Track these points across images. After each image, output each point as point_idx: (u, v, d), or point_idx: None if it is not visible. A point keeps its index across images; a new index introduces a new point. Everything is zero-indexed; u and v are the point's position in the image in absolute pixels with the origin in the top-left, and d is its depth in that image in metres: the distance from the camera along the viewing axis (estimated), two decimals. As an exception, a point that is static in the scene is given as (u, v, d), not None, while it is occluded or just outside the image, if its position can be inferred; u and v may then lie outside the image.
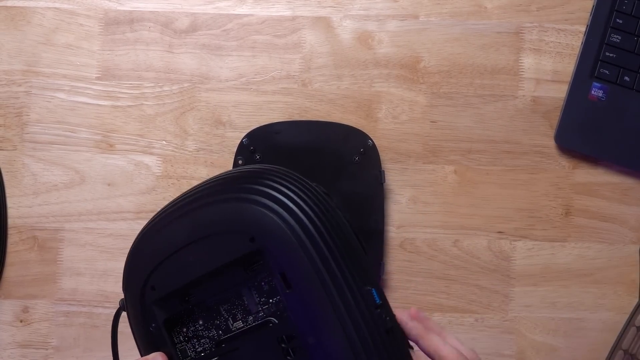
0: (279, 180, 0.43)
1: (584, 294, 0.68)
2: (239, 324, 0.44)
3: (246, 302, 0.44)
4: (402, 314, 0.48)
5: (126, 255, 0.64)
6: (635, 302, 0.67)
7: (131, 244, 0.47)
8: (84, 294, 0.67)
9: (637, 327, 0.66)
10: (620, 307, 0.68)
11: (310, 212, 0.42)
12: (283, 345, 0.42)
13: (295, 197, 0.42)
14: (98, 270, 0.67)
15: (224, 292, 0.44)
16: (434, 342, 0.44)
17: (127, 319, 0.50)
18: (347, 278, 0.41)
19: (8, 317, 0.67)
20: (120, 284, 0.67)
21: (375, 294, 0.41)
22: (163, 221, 0.45)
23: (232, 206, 0.43)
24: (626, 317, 0.67)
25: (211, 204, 0.43)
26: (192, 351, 0.45)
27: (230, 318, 0.44)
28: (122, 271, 0.66)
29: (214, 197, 0.44)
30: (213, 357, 0.44)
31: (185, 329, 0.45)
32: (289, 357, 0.42)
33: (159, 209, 0.67)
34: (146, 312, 0.44)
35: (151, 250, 0.45)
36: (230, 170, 0.47)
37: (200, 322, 0.45)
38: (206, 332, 0.45)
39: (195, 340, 0.45)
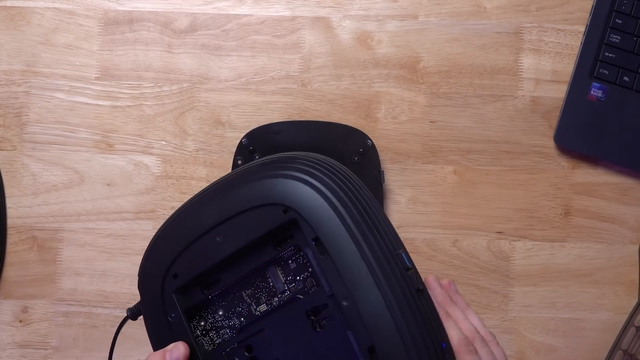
0: (306, 157, 0.45)
1: (583, 294, 0.68)
2: (263, 307, 0.44)
3: (271, 283, 0.44)
4: (433, 280, 0.49)
5: (126, 255, 0.64)
6: (634, 302, 0.67)
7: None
8: (83, 294, 0.67)
9: (636, 327, 0.66)
10: (619, 307, 0.68)
11: (339, 181, 0.43)
12: (312, 317, 0.43)
13: (324, 169, 0.44)
14: (97, 271, 0.67)
15: (248, 276, 0.44)
16: (455, 314, 0.44)
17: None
18: (378, 240, 0.42)
19: (7, 317, 0.67)
20: (120, 284, 0.67)
21: (405, 257, 0.43)
22: (186, 212, 0.45)
23: (264, 182, 0.43)
24: (625, 317, 0.67)
25: (241, 184, 0.44)
26: (209, 344, 0.45)
27: (253, 303, 0.44)
28: (121, 271, 0.67)
29: (243, 179, 0.44)
30: (232, 344, 0.44)
31: (203, 323, 0.45)
32: (318, 329, 0.43)
33: (158, 209, 0.67)
34: (165, 301, 0.44)
35: (175, 239, 0.45)
36: (250, 163, 0.47)
37: (220, 313, 0.45)
38: (227, 321, 0.45)
39: (213, 332, 0.45)
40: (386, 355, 0.40)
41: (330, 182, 0.43)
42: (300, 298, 0.44)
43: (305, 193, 0.42)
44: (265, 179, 0.44)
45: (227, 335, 0.45)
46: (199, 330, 0.45)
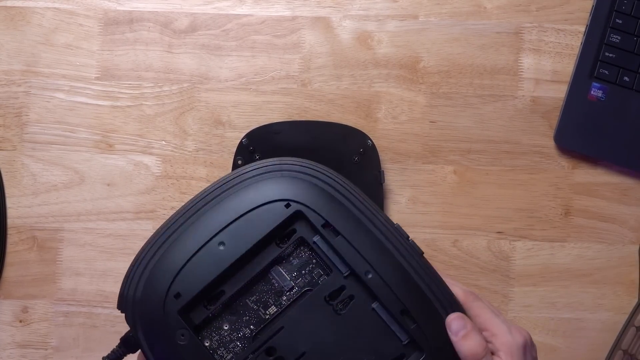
0: (294, 159, 0.46)
1: (583, 294, 0.68)
2: (272, 309, 0.44)
3: (276, 284, 0.44)
4: None
5: (126, 255, 0.63)
6: (634, 302, 0.67)
7: (137, 243, 0.45)
8: (83, 294, 0.67)
9: (636, 327, 0.66)
10: (619, 307, 0.68)
11: (330, 172, 0.45)
12: (331, 303, 0.43)
13: (313, 164, 0.45)
14: (97, 271, 0.67)
15: (251, 281, 0.44)
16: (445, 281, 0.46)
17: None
18: (378, 217, 0.44)
19: (7, 317, 0.67)
20: (120, 284, 0.67)
21: (401, 229, 0.45)
22: (179, 226, 0.44)
23: (261, 184, 0.44)
24: (625, 317, 0.67)
25: (235, 190, 0.44)
26: None
27: (261, 308, 0.44)
28: (121, 271, 0.66)
29: (235, 186, 0.44)
30: (248, 354, 0.43)
31: (208, 343, 0.44)
32: (342, 312, 0.43)
33: (158, 209, 0.67)
34: (170, 325, 0.42)
35: (171, 257, 0.43)
36: (234, 172, 0.46)
37: (226, 327, 0.44)
38: (235, 334, 0.44)
39: (222, 349, 0.44)
40: (419, 315, 0.42)
41: (322, 171, 0.45)
42: (312, 290, 0.44)
43: (304, 184, 0.44)
44: (259, 181, 0.44)
45: (238, 348, 0.44)
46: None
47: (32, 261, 0.67)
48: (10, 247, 0.67)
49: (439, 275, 0.44)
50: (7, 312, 0.67)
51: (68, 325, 0.67)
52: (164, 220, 0.45)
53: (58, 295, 0.67)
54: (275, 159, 0.46)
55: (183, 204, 0.45)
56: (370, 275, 0.42)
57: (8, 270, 0.67)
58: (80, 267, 0.67)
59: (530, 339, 0.43)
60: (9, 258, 0.67)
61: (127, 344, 0.44)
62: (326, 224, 0.43)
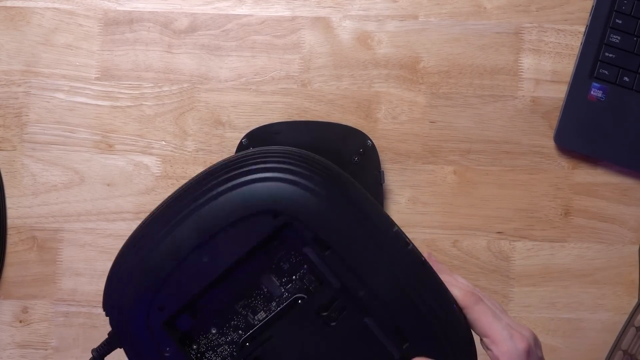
0: (281, 154, 0.43)
1: (583, 294, 0.68)
2: (262, 314, 0.43)
3: (265, 290, 0.43)
4: None
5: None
6: (634, 302, 0.67)
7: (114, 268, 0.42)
8: (83, 294, 0.67)
9: (636, 327, 0.66)
10: (619, 307, 0.68)
11: (323, 173, 0.42)
12: (323, 314, 0.42)
13: (305, 164, 0.42)
14: (97, 271, 0.67)
15: (239, 288, 0.42)
16: (446, 279, 0.45)
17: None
18: (375, 223, 0.41)
19: (7, 318, 0.67)
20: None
21: (402, 233, 0.42)
22: (158, 234, 0.41)
23: (244, 190, 0.41)
24: (625, 317, 0.67)
25: (219, 195, 0.41)
26: None
27: (249, 313, 0.43)
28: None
29: (218, 188, 0.42)
30: None
31: (195, 346, 0.43)
32: (332, 323, 0.42)
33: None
34: (154, 337, 0.41)
35: (151, 268, 0.41)
36: (222, 160, 0.44)
37: (214, 331, 0.43)
38: (223, 338, 0.43)
39: (210, 352, 0.43)
40: (413, 333, 0.41)
41: (314, 175, 0.42)
42: (303, 297, 0.43)
43: (292, 193, 0.41)
44: (244, 185, 0.41)
45: (226, 352, 0.43)
46: (194, 355, 0.43)
47: (32, 261, 0.67)
48: (10, 247, 0.67)
49: (439, 283, 0.42)
50: (7, 312, 0.67)
51: (68, 325, 0.67)
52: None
53: (58, 295, 0.67)
54: (263, 149, 0.43)
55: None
56: (362, 292, 0.41)
57: (8, 270, 0.67)
58: (80, 267, 0.67)
59: (534, 339, 0.42)
60: (9, 258, 0.67)
61: (116, 338, 0.43)
62: (316, 237, 0.41)
